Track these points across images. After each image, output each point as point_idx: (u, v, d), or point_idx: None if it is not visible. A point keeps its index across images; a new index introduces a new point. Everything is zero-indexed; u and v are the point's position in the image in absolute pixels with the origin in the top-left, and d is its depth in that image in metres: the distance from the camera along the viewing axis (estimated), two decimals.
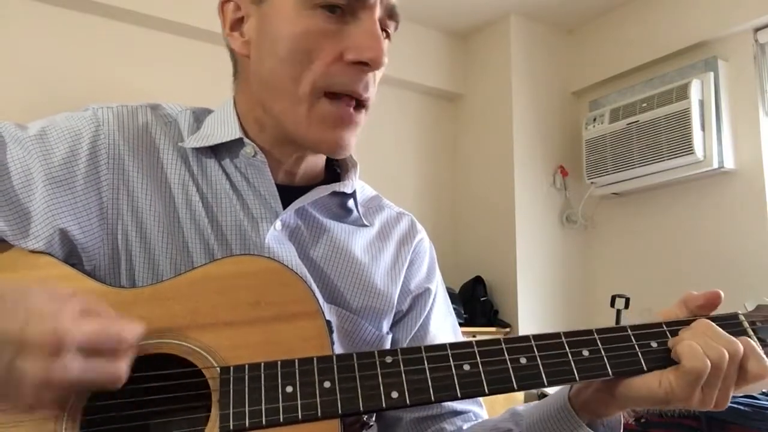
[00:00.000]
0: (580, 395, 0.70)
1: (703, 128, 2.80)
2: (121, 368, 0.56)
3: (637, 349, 0.66)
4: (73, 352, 0.53)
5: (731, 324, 0.68)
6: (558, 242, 3.39)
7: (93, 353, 0.54)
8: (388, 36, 0.76)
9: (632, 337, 0.67)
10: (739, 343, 0.63)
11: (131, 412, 0.62)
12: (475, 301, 3.22)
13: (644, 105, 2.98)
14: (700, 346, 0.63)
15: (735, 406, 2.06)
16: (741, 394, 2.10)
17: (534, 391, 3.02)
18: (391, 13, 0.74)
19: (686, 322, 0.67)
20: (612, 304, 2.67)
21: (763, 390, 2.15)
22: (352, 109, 0.73)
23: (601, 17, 3.41)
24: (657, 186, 3.05)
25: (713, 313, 0.69)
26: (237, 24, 0.76)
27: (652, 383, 0.64)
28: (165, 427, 0.65)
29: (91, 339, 0.53)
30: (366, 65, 0.70)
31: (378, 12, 0.72)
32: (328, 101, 0.71)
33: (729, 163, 2.81)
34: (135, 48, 2.78)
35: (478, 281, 3.29)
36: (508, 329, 3.18)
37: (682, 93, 2.84)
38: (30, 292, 0.56)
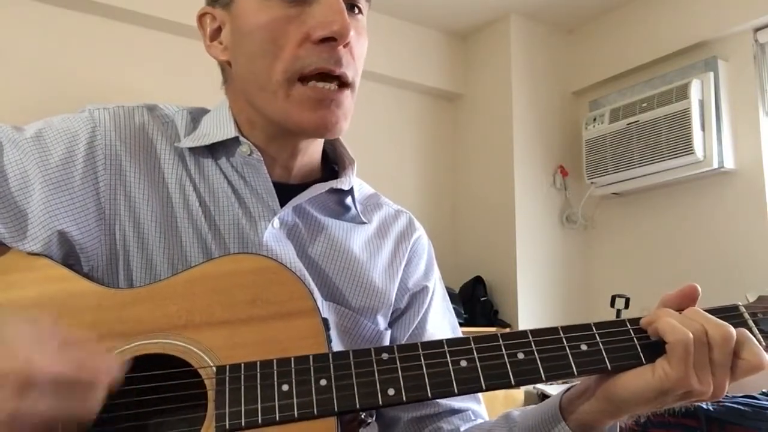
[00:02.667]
0: (572, 404, 0.70)
1: (703, 128, 2.80)
2: (92, 403, 0.54)
3: (636, 342, 0.65)
4: (44, 388, 0.51)
5: (732, 315, 0.68)
6: (558, 242, 3.39)
7: (65, 389, 0.52)
8: (360, 11, 0.76)
9: (631, 331, 0.66)
10: (729, 327, 0.63)
11: (127, 413, 0.62)
12: (475, 301, 3.21)
13: (644, 105, 2.97)
14: (677, 320, 0.63)
15: (735, 406, 2.06)
16: (741, 394, 2.10)
17: (534, 391, 3.01)
18: None
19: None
20: (612, 304, 2.67)
21: (763, 389, 2.15)
22: (332, 87, 0.72)
23: (601, 17, 3.41)
24: (657, 186, 3.05)
25: (713, 306, 0.69)
26: (215, 33, 0.78)
27: (646, 374, 0.63)
28: (161, 427, 0.65)
29: (63, 375, 0.52)
30: (333, 40, 0.70)
31: None
32: (302, 85, 0.71)
33: (729, 163, 2.80)
34: (135, 48, 2.78)
35: (478, 281, 3.29)
36: (508, 329, 3.18)
37: (682, 93, 2.83)
38: (6, 324, 0.54)
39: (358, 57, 0.75)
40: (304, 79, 0.71)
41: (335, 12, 0.70)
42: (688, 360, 0.62)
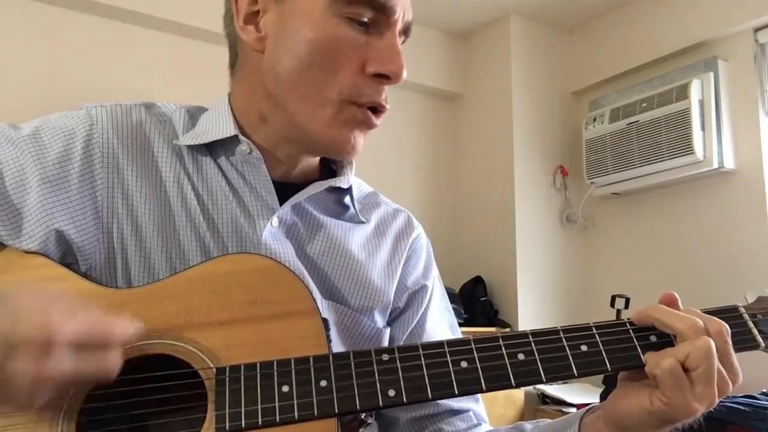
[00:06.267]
0: (590, 429, 0.69)
1: (703, 128, 2.80)
2: (113, 362, 0.56)
3: (636, 343, 0.65)
4: (64, 348, 0.53)
5: (731, 317, 0.68)
6: (558, 242, 3.39)
7: (84, 348, 0.54)
8: (405, 40, 0.78)
9: (631, 332, 0.66)
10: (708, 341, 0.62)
11: (127, 414, 0.61)
12: (475, 301, 3.21)
13: (644, 105, 2.97)
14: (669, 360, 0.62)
15: (735, 406, 2.06)
16: (741, 394, 2.10)
17: (534, 391, 3.01)
18: (405, 29, 0.77)
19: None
20: (612, 304, 2.66)
21: (763, 389, 2.14)
22: (372, 115, 0.75)
23: (601, 17, 3.40)
24: (657, 186, 3.05)
25: (713, 307, 0.69)
26: (252, 17, 0.75)
27: (644, 403, 0.63)
28: (161, 428, 0.65)
29: (81, 334, 0.54)
30: (387, 78, 0.72)
31: (399, 28, 0.74)
32: (356, 107, 0.73)
33: (729, 163, 2.80)
34: (135, 48, 2.78)
35: (478, 281, 3.29)
36: (508, 329, 3.18)
37: (682, 93, 2.83)
38: (18, 293, 0.56)
39: None
40: (354, 103, 0.73)
41: (395, 52, 0.73)
42: (680, 384, 0.61)
